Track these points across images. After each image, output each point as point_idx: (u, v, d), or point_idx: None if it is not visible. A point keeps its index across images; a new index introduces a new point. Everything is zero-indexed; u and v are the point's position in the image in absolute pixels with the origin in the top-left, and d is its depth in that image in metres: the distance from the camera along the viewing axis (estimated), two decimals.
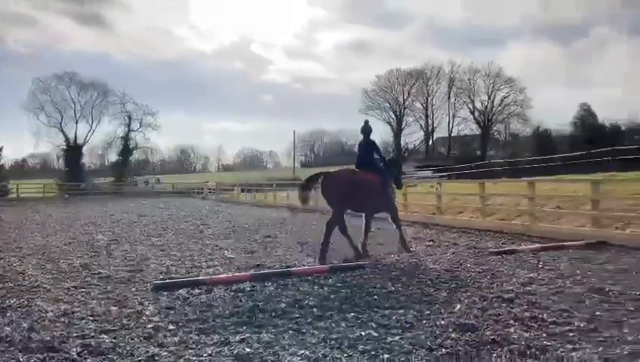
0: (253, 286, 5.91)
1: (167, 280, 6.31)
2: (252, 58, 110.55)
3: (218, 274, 6.70)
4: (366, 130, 8.38)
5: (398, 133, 75.18)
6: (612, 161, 20.27)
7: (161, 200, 34.98)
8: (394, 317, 4.58)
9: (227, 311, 4.87)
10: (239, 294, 5.59)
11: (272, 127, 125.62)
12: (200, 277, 6.41)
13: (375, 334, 4.13)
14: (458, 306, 4.90)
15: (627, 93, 79.06)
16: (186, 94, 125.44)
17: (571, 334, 4.02)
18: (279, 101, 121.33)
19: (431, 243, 9.54)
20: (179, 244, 10.01)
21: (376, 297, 5.35)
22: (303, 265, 7.31)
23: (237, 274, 6.69)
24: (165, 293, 5.67)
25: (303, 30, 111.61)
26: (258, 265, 7.50)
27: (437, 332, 4.14)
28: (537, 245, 8.71)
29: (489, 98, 68.59)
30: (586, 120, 49.57)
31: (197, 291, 5.75)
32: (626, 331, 4.07)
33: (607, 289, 5.48)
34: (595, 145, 27.22)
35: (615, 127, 49.98)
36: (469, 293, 5.40)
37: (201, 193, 40.76)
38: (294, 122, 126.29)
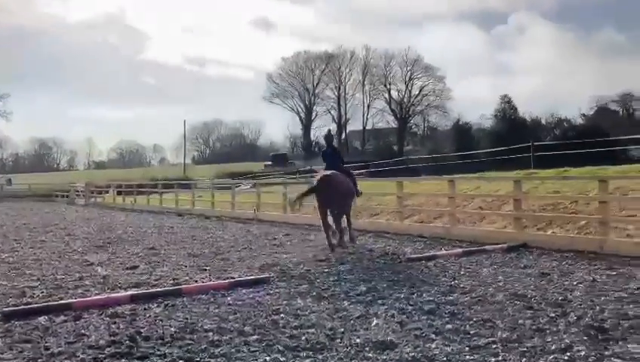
0: (134, 309, 5.68)
1: (22, 306, 5.88)
2: (129, 32, 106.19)
3: (89, 296, 6.38)
4: (330, 139, 11.29)
5: (307, 124, 76.36)
6: (533, 156, 22.16)
7: (14, 205, 32.94)
8: (303, 338, 4.63)
9: (102, 341, 4.64)
10: (117, 319, 5.37)
11: (156, 116, 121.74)
12: (65, 301, 6.04)
13: (282, 359, 4.15)
14: (375, 321, 5.07)
15: (548, 82, 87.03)
16: (47, 73, 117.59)
17: (494, 346, 4.30)
18: (165, 85, 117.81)
19: (344, 250, 9.78)
20: (38, 261, 9.43)
21: (283, 315, 5.39)
22: (196, 282, 7.22)
23: (113, 295, 6.41)
24: (19, 323, 5.27)
25: (195, 1, 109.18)
26: (139, 283, 7.24)
27: (352, 353, 4.24)
28: (458, 249, 9.29)
29: (406, 87, 71.78)
30: (507, 113, 53.58)
31: (62, 318, 5.42)
32: (548, 340, 4.43)
33: (529, 295, 5.97)
34: (515, 140, 29.54)
35: (536, 121, 54.64)
36: (386, 306, 5.61)
37: (67, 196, 38.67)
38: (185, 110, 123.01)
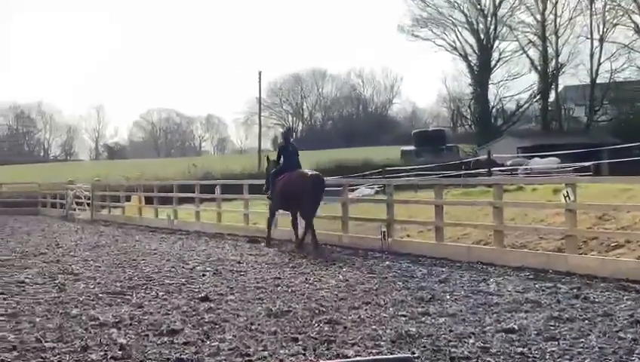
0: None
1: None
2: None
3: None
4: (290, 135, 21.96)
5: (482, 76, 74.48)
6: None
7: None
8: None
9: None
10: None
11: (207, 67, 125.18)
12: None
13: None
14: None
15: None
16: None
17: None
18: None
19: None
20: (13, 317, 9.96)
21: None
22: None
23: None
24: None
25: None
26: None
27: None
28: None
29: None
30: None
31: None
32: None
33: None
34: None
35: None
36: None
37: (62, 206, 40.37)
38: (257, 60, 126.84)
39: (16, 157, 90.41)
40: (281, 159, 20.27)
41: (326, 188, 19.73)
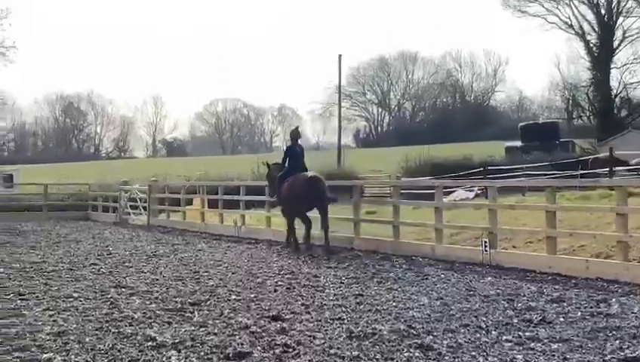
0: None
1: None
2: None
3: None
4: (297, 135, 23.44)
5: (604, 56, 72.74)
6: None
7: (13, 224, 35.63)
8: None
9: None
10: None
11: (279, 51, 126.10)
12: None
13: None
14: None
15: None
16: None
17: None
18: None
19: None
20: (59, 336, 10.12)
21: None
22: None
23: None
24: None
25: None
26: None
27: None
28: None
29: None
30: None
31: None
32: None
33: None
34: None
35: None
36: None
37: (114, 210, 40.81)
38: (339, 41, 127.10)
39: (63, 154, 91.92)
40: (287, 161, 23.13)
41: (416, 192, 19.81)
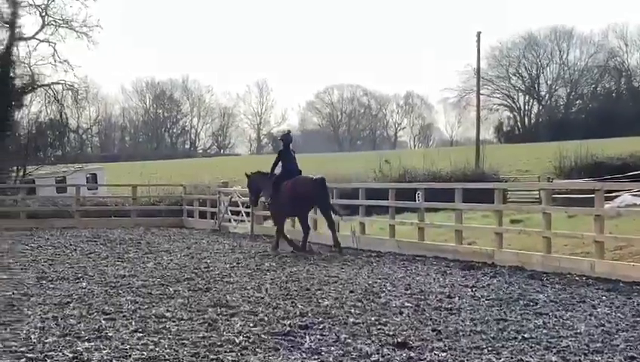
0: None
1: None
2: None
3: None
4: (289, 139, 28.54)
5: None
6: None
7: (98, 232, 36.25)
8: None
9: None
10: None
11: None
12: None
13: None
14: None
15: None
16: None
17: None
18: None
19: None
20: None
21: None
22: None
23: None
24: None
25: None
26: None
27: None
28: None
29: None
30: None
31: None
32: None
33: None
34: None
35: None
36: None
37: (213, 216, 41.02)
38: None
39: (154, 149, 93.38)
40: (277, 166, 27.67)
41: (572, 196, 19.58)
